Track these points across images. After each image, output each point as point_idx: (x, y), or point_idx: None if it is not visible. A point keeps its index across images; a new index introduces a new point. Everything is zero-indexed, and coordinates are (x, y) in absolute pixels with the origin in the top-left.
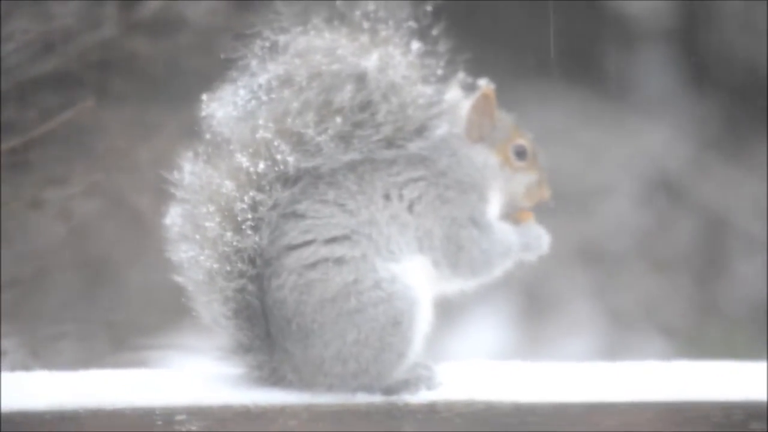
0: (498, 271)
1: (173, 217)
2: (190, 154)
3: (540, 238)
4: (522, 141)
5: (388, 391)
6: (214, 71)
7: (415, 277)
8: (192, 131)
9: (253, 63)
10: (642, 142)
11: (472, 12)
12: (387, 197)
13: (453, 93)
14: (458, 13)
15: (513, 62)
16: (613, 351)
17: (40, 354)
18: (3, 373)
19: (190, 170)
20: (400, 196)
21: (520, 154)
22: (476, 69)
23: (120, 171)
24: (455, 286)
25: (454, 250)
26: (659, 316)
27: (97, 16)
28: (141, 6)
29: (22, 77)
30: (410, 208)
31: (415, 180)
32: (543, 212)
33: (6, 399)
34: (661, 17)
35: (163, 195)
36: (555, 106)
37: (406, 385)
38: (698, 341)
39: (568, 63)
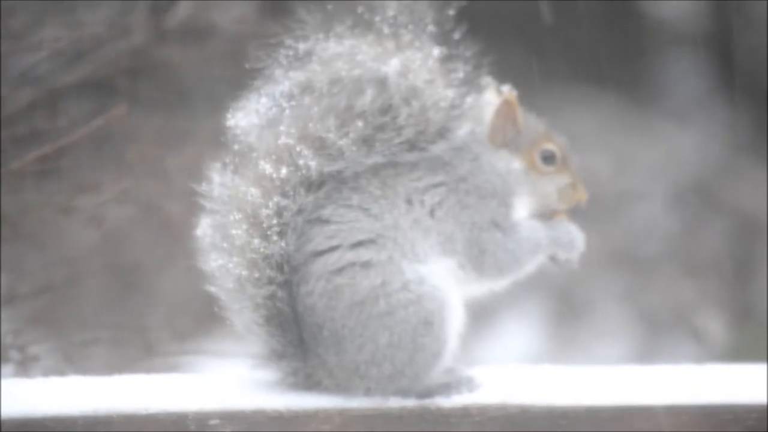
0: (529, 267)
1: (204, 228)
2: (218, 164)
3: (571, 233)
4: (549, 145)
5: (429, 393)
6: (244, 78)
7: (443, 277)
8: (222, 138)
9: (277, 72)
10: (673, 147)
11: (503, 17)
12: (409, 202)
13: (488, 97)
14: (490, 18)
15: (544, 67)
16: (645, 355)
17: (74, 359)
18: (37, 379)
19: (219, 181)
20: (422, 202)
21: (548, 158)
22: (507, 74)
23: (151, 177)
24: (484, 287)
25: (477, 254)
26: (691, 320)
27: (127, 23)
28: (171, 13)
29: (53, 85)
30: (431, 213)
31: (436, 186)
32: (575, 216)
33: (40, 404)
34: (692, 22)
35: (193, 201)
36: (586, 111)
37: (447, 387)
38: (731, 345)
39: (600, 68)
